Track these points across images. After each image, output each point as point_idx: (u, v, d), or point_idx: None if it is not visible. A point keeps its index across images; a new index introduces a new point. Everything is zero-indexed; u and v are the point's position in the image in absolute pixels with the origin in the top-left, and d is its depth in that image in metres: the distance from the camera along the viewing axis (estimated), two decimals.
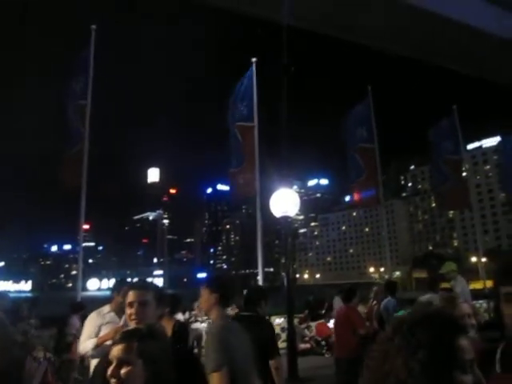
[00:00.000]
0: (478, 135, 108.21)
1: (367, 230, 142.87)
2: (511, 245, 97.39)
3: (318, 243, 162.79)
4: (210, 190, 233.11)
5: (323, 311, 12.06)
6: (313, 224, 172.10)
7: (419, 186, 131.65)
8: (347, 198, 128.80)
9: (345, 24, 12.88)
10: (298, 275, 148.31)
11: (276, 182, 8.79)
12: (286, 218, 8.11)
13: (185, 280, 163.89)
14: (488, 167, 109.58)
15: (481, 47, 13.63)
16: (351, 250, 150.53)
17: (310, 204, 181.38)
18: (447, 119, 13.88)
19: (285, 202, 7.91)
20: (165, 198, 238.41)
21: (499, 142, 55.54)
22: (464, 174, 15.37)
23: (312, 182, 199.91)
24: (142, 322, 2.21)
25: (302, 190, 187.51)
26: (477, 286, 16.30)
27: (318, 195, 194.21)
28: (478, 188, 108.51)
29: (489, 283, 12.69)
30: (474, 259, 62.19)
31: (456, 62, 15.21)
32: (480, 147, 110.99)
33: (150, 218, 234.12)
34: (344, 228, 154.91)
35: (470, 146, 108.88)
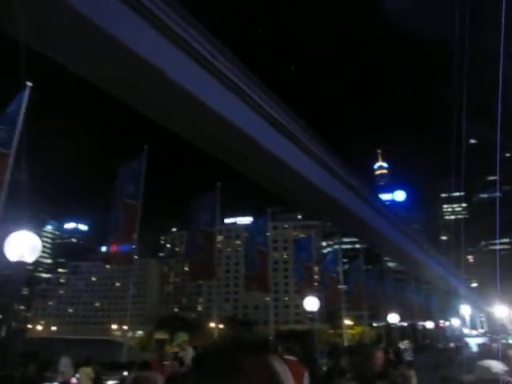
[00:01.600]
0: (236, 212, 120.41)
1: (118, 284, 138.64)
2: (246, 314, 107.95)
3: (62, 292, 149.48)
4: None
5: None
6: (60, 270, 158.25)
7: (177, 249, 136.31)
8: (104, 249, 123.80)
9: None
10: (30, 325, 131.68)
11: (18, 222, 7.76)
12: (20, 264, 7.14)
13: None
14: (239, 242, 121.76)
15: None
16: (97, 304, 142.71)
17: (63, 248, 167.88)
18: (210, 193, 15.02)
19: (22, 245, 7.00)
20: None
21: (252, 222, 63.08)
22: (217, 245, 16.66)
23: (70, 225, 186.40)
24: None
25: (57, 232, 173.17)
26: None
27: (74, 240, 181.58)
28: (228, 259, 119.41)
29: None
30: (212, 325, 66.57)
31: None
32: (235, 223, 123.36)
33: None
34: (94, 279, 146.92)
35: (228, 221, 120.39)
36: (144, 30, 10.35)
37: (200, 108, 12.31)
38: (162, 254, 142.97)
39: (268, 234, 16.94)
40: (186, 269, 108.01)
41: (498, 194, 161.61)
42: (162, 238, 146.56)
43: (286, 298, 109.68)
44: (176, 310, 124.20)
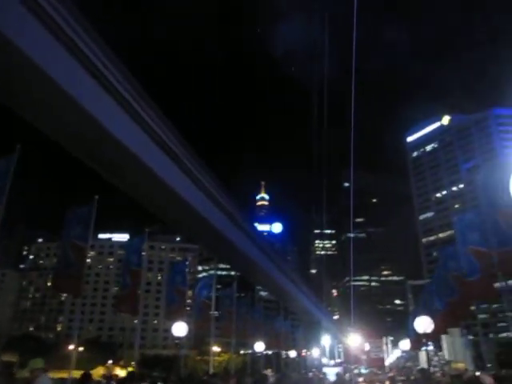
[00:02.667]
0: (113, 228, 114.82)
1: None
2: (111, 336, 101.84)
3: None
4: None
5: None
6: None
7: (41, 262, 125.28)
8: None
9: None
10: None
11: None
12: None
13: None
14: (111, 259, 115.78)
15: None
16: None
17: None
18: (86, 206, 14.14)
19: None
20: None
21: (128, 240, 60.56)
22: (88, 260, 15.64)
23: None
24: None
25: None
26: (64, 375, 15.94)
27: None
28: (97, 277, 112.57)
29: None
30: (71, 347, 61.56)
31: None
32: (110, 239, 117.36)
33: None
34: None
35: (103, 236, 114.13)
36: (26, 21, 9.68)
37: (79, 114, 11.73)
38: (22, 266, 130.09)
39: (143, 253, 16.40)
40: (49, 284, 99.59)
41: (326, 232, 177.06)
42: (26, 248, 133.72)
43: (155, 322, 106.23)
44: (31, 328, 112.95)
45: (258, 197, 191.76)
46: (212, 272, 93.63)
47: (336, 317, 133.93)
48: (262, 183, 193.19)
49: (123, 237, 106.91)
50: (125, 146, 13.05)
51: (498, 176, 8.73)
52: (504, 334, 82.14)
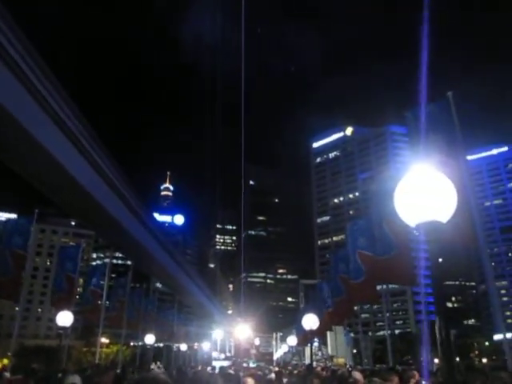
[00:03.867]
0: None
1: None
2: None
3: None
4: None
5: None
6: None
7: None
8: None
9: None
10: None
11: None
12: None
13: None
14: None
15: None
16: None
17: None
18: None
19: None
20: None
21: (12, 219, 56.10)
22: None
23: None
24: None
25: None
26: None
27: None
28: None
29: None
30: None
31: None
32: None
33: None
34: None
35: None
36: None
37: None
38: None
39: (31, 236, 15.23)
40: None
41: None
42: None
43: (40, 310, 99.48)
44: None
45: (162, 187, 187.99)
46: (106, 260, 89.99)
47: (230, 311, 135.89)
48: (168, 173, 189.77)
49: (10, 216, 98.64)
50: (14, 117, 11.94)
51: (388, 187, 9.42)
52: (381, 333, 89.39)
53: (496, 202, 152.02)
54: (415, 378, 5.91)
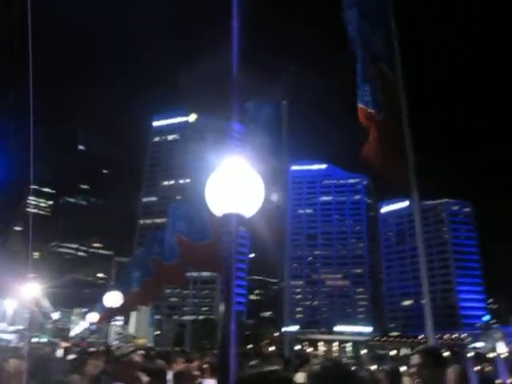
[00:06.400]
0: None
1: None
2: None
3: None
4: None
5: None
6: None
7: None
8: None
9: None
10: None
11: None
12: None
13: None
14: None
15: None
16: None
17: None
18: None
19: None
20: None
21: None
22: None
23: None
24: None
25: None
26: None
27: None
28: None
29: None
30: None
31: None
32: None
33: None
34: None
35: None
36: None
37: None
38: None
39: None
40: None
41: None
42: None
43: None
44: None
45: None
46: None
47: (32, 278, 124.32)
48: None
49: None
50: None
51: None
52: (185, 317, 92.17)
53: (308, 211, 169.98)
54: (177, 363, 6.33)
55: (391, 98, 6.54)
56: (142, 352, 7.17)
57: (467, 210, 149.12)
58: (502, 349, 33.87)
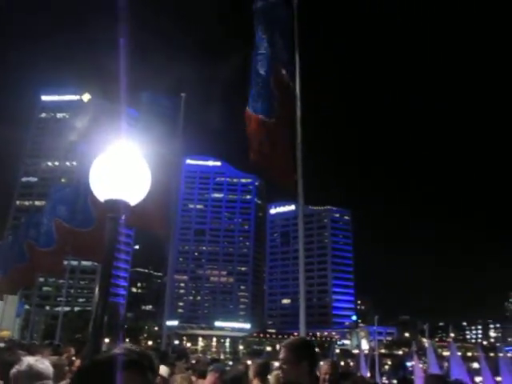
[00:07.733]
0: None
1: None
2: None
3: None
4: None
5: None
6: None
7: None
8: None
9: None
10: None
11: None
12: None
13: None
14: None
15: None
16: None
17: None
18: None
19: None
20: None
21: None
22: None
23: None
24: None
25: None
26: None
27: None
28: None
29: None
30: None
31: None
32: None
33: None
34: None
35: None
36: None
37: None
38: None
39: None
40: None
41: None
42: None
43: None
44: None
45: None
46: None
47: None
48: None
49: None
50: None
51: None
52: (59, 308, 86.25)
53: (198, 206, 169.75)
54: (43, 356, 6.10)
55: (286, 103, 6.81)
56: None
57: (346, 217, 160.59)
58: (365, 346, 37.14)
